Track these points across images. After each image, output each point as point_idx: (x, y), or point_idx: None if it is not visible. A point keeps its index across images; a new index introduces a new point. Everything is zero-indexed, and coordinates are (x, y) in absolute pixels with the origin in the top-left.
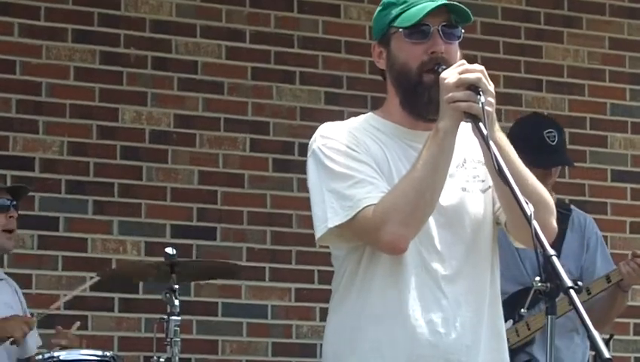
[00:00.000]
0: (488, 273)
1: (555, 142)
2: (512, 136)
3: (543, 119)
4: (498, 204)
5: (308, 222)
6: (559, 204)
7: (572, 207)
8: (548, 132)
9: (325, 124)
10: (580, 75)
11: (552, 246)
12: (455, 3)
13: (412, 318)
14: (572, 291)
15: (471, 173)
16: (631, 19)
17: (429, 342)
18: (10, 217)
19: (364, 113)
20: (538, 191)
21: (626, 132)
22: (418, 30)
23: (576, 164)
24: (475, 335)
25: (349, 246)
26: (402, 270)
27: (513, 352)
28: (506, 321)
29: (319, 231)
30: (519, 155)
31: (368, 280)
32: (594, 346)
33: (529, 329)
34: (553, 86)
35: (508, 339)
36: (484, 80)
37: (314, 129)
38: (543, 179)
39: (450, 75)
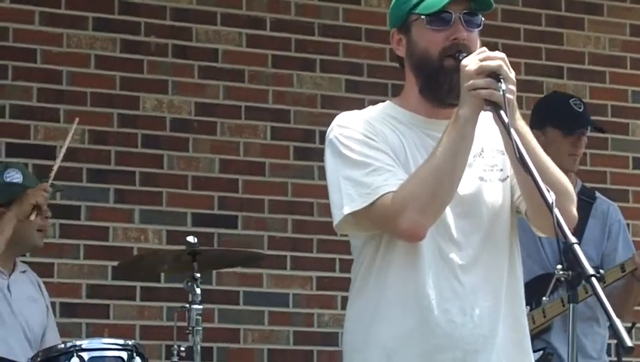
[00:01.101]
0: (506, 262)
1: (581, 109)
2: (537, 113)
3: (565, 93)
4: (518, 193)
5: (329, 210)
6: (584, 191)
7: (597, 194)
8: (574, 100)
9: (342, 113)
10: (601, 62)
11: (573, 233)
12: None
13: (428, 308)
14: (594, 279)
15: (489, 163)
16: None
17: (444, 332)
18: (46, 218)
19: (384, 101)
20: (559, 180)
21: None
22: (440, 17)
23: (597, 152)
24: (492, 324)
25: (367, 234)
26: (419, 259)
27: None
28: None
29: (336, 218)
30: (548, 127)
31: (385, 270)
32: (616, 334)
33: (545, 317)
34: (574, 73)
35: None
36: (505, 67)
37: (334, 117)
38: (573, 149)
39: (471, 62)
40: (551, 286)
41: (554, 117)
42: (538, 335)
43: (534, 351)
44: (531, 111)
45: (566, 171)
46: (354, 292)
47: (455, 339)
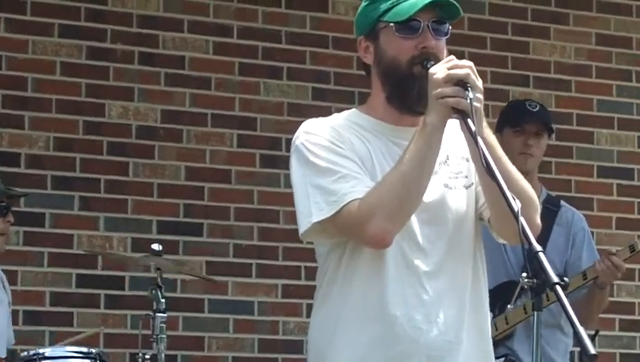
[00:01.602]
0: (470, 269)
1: (536, 109)
2: (499, 117)
3: (527, 98)
4: (482, 200)
5: (294, 217)
6: (549, 199)
7: (562, 202)
8: (529, 102)
9: (308, 120)
10: (566, 71)
11: (538, 241)
12: None
13: (393, 315)
14: (558, 287)
15: (454, 170)
16: (617, 15)
17: (410, 339)
18: (7, 221)
19: (351, 108)
20: (524, 189)
21: (612, 128)
22: (409, 25)
23: (562, 160)
24: (457, 331)
25: (332, 242)
26: (384, 266)
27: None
28: None
29: (303, 226)
30: (504, 128)
31: (349, 277)
32: (580, 342)
33: (507, 324)
34: (540, 82)
35: None
36: (472, 76)
37: (301, 124)
38: (524, 148)
39: (438, 71)
40: (516, 293)
41: (508, 116)
42: (501, 341)
43: (497, 358)
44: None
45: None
46: (319, 300)
47: (420, 346)
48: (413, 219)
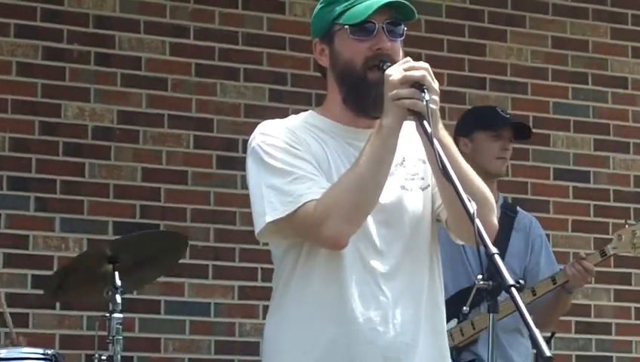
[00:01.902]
0: (427, 271)
1: (508, 116)
2: (465, 121)
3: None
4: (439, 202)
5: (251, 219)
6: (506, 205)
7: (518, 208)
8: (500, 109)
9: (265, 121)
10: (523, 73)
11: (498, 247)
12: (401, 0)
13: (350, 316)
14: (513, 289)
15: (410, 171)
16: (574, 19)
17: (367, 340)
18: None
19: (307, 110)
20: (480, 190)
21: (568, 130)
22: (363, 27)
23: (519, 163)
24: (414, 333)
25: (288, 243)
26: (340, 267)
27: (458, 351)
28: (451, 319)
29: (258, 226)
30: (476, 132)
31: (306, 278)
32: (535, 344)
33: (474, 329)
34: (496, 84)
35: (453, 338)
36: (428, 77)
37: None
38: (501, 152)
39: (395, 72)
40: (471, 296)
41: (482, 121)
42: (467, 346)
43: None
44: (457, 121)
45: (495, 175)
46: (275, 301)
47: (377, 347)
48: (370, 220)
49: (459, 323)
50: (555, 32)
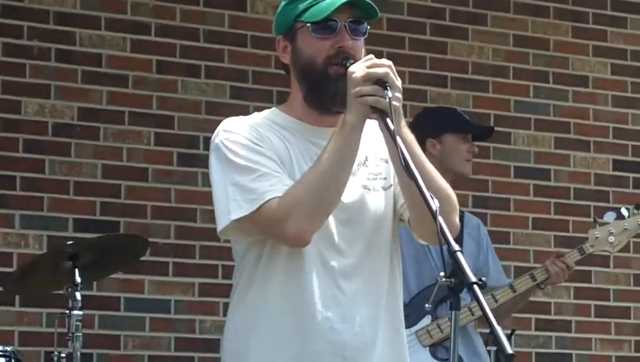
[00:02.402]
0: (387, 270)
1: (469, 118)
2: (431, 122)
3: (441, 106)
4: (401, 201)
5: (212, 216)
6: None
7: (463, 209)
8: (460, 110)
9: (228, 118)
10: (484, 71)
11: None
12: None
13: (309, 314)
14: (476, 286)
15: (373, 171)
16: (535, 17)
17: (325, 339)
18: None
19: (270, 108)
20: (444, 188)
21: (529, 129)
22: (325, 25)
23: (480, 160)
24: (372, 332)
25: (250, 240)
26: (301, 266)
27: (434, 348)
28: (424, 317)
29: (221, 223)
30: (447, 134)
31: (268, 276)
32: (497, 342)
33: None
34: (458, 82)
35: (431, 336)
36: (391, 75)
37: (219, 123)
38: (468, 155)
39: (358, 69)
40: (434, 293)
41: (452, 123)
42: (441, 342)
43: (442, 360)
44: (418, 121)
45: (464, 176)
46: (235, 298)
47: (336, 346)
48: (331, 219)
49: (433, 320)
50: (516, 30)
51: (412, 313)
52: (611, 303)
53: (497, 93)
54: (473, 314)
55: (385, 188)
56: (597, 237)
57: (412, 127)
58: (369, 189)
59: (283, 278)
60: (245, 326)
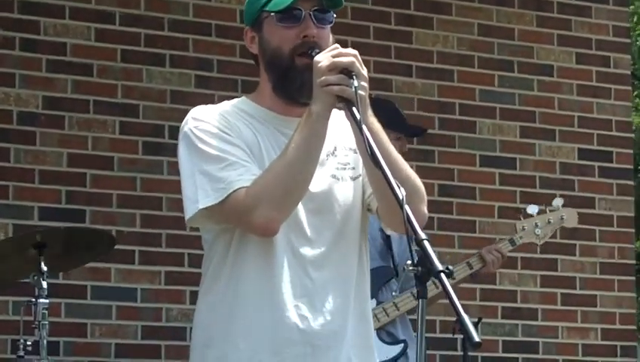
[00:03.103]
0: (356, 259)
1: (405, 115)
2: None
3: (381, 98)
4: (370, 191)
5: (178, 205)
6: None
7: None
8: (397, 106)
9: (197, 107)
10: (449, 60)
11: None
12: None
13: (280, 302)
14: (443, 275)
15: (341, 161)
16: (500, 7)
17: (296, 327)
18: None
19: (234, 97)
20: (411, 178)
21: (494, 118)
22: (290, 14)
23: (445, 149)
24: (342, 320)
25: (219, 228)
26: (271, 254)
27: (379, 331)
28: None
29: (189, 212)
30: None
31: (239, 264)
32: (464, 330)
33: (397, 310)
34: (423, 71)
35: (378, 319)
36: (357, 64)
37: (184, 112)
38: (401, 149)
39: (323, 59)
40: (401, 280)
41: (390, 121)
42: (383, 326)
43: (391, 344)
44: None
45: None
46: (205, 286)
47: (306, 334)
48: (301, 208)
49: (378, 304)
50: (481, 19)
51: None
52: (577, 291)
53: (462, 83)
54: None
55: (353, 178)
56: (524, 229)
57: None
58: (338, 179)
59: (252, 266)
60: (217, 313)
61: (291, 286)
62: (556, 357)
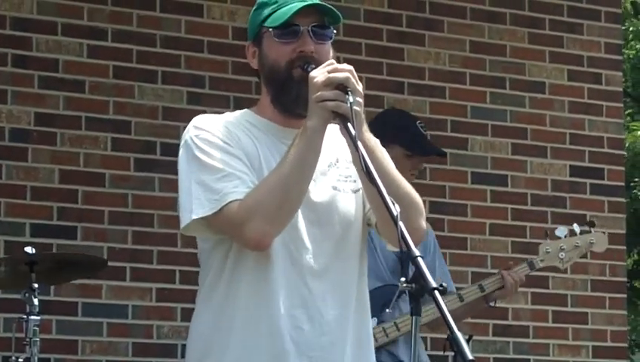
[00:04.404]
0: (356, 271)
1: (425, 132)
2: (382, 128)
3: (405, 112)
4: (369, 205)
5: (169, 221)
6: None
7: None
8: (419, 123)
9: (200, 115)
10: (441, 77)
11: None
12: (322, 3)
13: (277, 313)
14: (437, 292)
15: (343, 173)
16: (491, 23)
17: (291, 338)
18: None
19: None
20: (407, 192)
21: (486, 135)
22: (288, 30)
23: (437, 166)
24: (341, 333)
25: (215, 238)
26: (270, 264)
27: (378, 351)
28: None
29: (184, 221)
30: (395, 145)
31: (237, 274)
32: (457, 347)
33: (398, 331)
34: (415, 88)
35: (376, 339)
36: (352, 80)
37: (176, 128)
38: (414, 167)
39: (319, 74)
40: (394, 297)
41: (404, 138)
42: (384, 346)
43: None
44: (380, 118)
45: None
46: (202, 296)
47: (302, 346)
48: (301, 219)
49: (379, 323)
50: (472, 36)
51: None
52: (569, 309)
53: (454, 99)
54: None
55: (354, 191)
56: (548, 252)
57: (374, 122)
58: (339, 190)
59: (251, 277)
60: (214, 325)
61: (289, 296)
62: None
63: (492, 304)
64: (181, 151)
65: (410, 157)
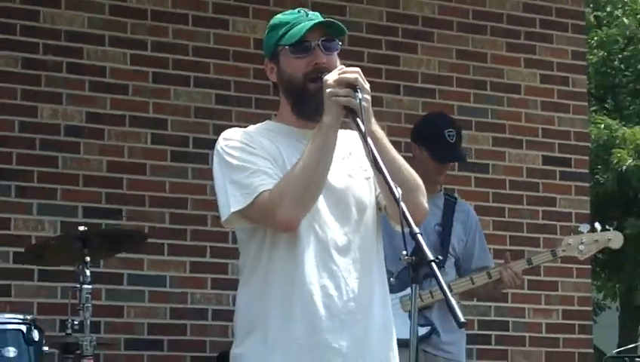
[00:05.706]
0: (375, 248)
1: (453, 141)
2: (418, 130)
3: (446, 119)
4: (379, 190)
5: (201, 204)
6: (448, 193)
7: (457, 196)
8: (448, 131)
9: (228, 129)
10: (431, 80)
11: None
12: (330, 20)
13: (308, 284)
14: (433, 264)
15: (356, 164)
16: (474, 34)
17: (323, 304)
18: None
19: (249, 112)
20: (410, 177)
21: (470, 129)
22: (301, 46)
23: None
24: (368, 297)
25: (251, 227)
26: (299, 244)
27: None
28: (406, 287)
29: (224, 215)
30: (423, 148)
31: (272, 257)
32: (451, 311)
33: (432, 298)
34: (409, 90)
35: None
36: (360, 80)
37: (206, 125)
38: (439, 171)
39: (331, 76)
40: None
41: (431, 143)
42: (420, 311)
43: (421, 326)
44: (420, 122)
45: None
46: (244, 278)
47: (333, 310)
48: (322, 202)
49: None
50: (458, 45)
51: (398, 283)
52: (542, 278)
53: (443, 100)
54: (452, 291)
55: (366, 178)
56: (569, 244)
57: (419, 123)
58: (353, 178)
59: (284, 256)
60: (255, 299)
61: (318, 269)
62: (524, 334)
63: (498, 290)
64: (215, 159)
65: (435, 160)
